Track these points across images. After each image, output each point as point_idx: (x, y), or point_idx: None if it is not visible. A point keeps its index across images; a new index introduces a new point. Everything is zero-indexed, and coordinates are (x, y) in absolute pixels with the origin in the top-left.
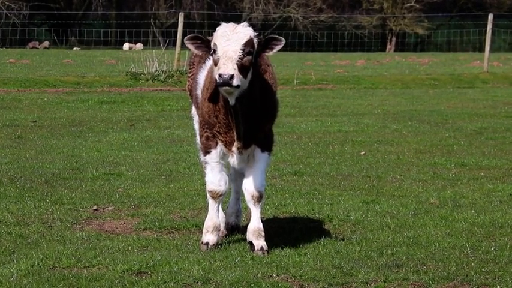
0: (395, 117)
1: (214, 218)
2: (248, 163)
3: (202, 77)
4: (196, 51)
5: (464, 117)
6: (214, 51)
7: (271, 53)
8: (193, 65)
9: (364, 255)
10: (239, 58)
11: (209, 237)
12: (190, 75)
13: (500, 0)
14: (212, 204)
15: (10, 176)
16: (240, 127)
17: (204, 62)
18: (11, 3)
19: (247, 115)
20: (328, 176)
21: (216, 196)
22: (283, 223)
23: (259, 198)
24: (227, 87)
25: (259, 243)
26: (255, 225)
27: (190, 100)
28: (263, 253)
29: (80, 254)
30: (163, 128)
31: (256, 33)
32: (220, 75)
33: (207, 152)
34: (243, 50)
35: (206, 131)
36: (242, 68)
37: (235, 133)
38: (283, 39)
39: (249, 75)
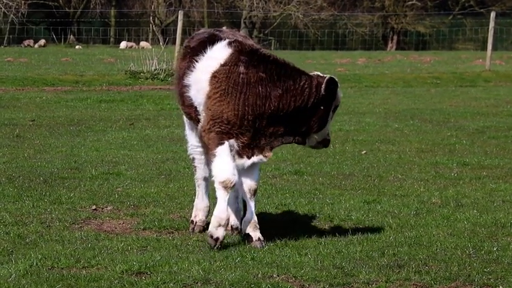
0: (396, 116)
1: (226, 210)
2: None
3: (195, 79)
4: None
5: (466, 116)
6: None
7: None
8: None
9: (366, 255)
10: None
11: (220, 232)
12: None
13: None
14: (224, 196)
15: (8, 175)
16: None
17: (192, 63)
18: (9, 1)
19: None
20: (329, 176)
21: (229, 185)
22: (284, 223)
23: (255, 192)
24: None
25: (257, 234)
26: (252, 217)
27: None
28: (261, 244)
29: (78, 254)
30: (162, 127)
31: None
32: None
33: (220, 143)
34: None
35: (218, 127)
36: None
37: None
38: None
39: None
